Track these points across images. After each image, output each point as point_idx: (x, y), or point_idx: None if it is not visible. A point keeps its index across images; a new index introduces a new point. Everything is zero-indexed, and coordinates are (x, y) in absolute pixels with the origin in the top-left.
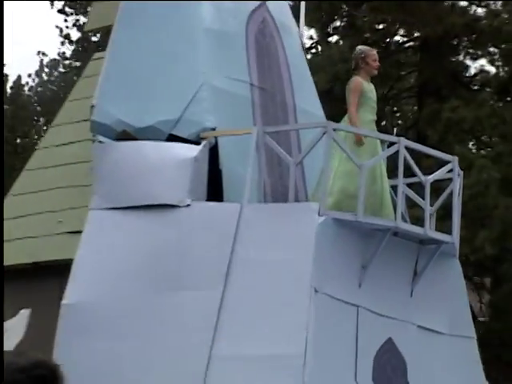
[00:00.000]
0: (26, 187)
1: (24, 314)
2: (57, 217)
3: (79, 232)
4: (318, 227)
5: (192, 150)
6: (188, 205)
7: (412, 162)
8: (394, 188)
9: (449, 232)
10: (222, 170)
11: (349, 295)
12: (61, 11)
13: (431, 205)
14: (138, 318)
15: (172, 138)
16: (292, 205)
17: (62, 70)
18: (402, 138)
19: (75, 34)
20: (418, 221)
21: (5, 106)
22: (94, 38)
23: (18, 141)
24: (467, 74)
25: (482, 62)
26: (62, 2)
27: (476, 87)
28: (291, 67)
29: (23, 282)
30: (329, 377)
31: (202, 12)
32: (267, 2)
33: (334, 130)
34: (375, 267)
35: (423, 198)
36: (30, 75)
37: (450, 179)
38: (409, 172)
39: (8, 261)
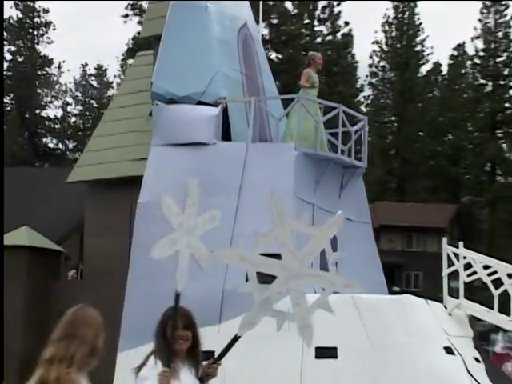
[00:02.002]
0: (105, 132)
1: None
2: (129, 149)
3: (144, 159)
4: (295, 157)
5: (213, 110)
6: (214, 143)
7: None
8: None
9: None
10: (230, 123)
11: (309, 197)
12: None
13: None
14: None
15: (200, 102)
16: (278, 144)
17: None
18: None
19: None
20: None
21: None
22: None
23: None
24: None
25: None
26: None
27: None
28: (260, 63)
29: (111, 189)
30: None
31: (213, 27)
32: (248, 23)
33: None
34: (323, 181)
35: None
36: None
37: None
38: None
39: (100, 176)
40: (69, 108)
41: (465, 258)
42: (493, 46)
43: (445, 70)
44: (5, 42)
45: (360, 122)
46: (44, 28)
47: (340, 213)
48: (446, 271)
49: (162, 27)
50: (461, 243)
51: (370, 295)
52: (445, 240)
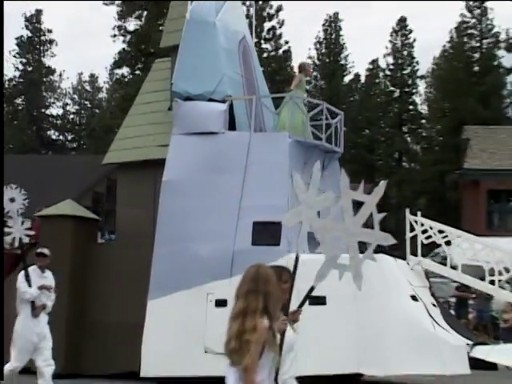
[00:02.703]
0: (131, 124)
1: None
2: (151, 137)
3: (164, 145)
4: (289, 144)
5: (221, 106)
6: (223, 132)
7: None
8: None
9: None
10: (235, 116)
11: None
12: None
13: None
14: (202, 185)
15: (210, 100)
16: (275, 133)
17: None
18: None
19: None
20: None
21: None
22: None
23: None
24: None
25: None
26: None
27: None
28: (255, 67)
29: (137, 169)
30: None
31: (220, 39)
32: (246, 37)
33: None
34: (309, 163)
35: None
36: None
37: None
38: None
39: (128, 159)
40: (68, 107)
41: (422, 224)
42: (400, 61)
43: (363, 79)
44: (17, 55)
45: (338, 116)
46: (48, 44)
47: (383, 182)
48: (408, 235)
49: (177, 39)
50: (419, 213)
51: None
52: (407, 210)
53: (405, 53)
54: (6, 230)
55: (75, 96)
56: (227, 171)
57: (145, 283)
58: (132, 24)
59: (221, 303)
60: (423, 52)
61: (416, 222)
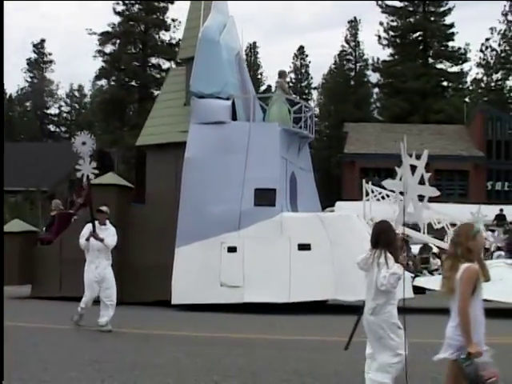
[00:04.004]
0: (156, 115)
1: None
2: (174, 126)
3: (182, 131)
4: (279, 132)
5: (227, 102)
6: (229, 122)
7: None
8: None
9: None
10: (237, 111)
11: (285, 155)
12: None
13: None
14: (215, 162)
15: (218, 98)
16: (269, 123)
17: None
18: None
19: None
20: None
21: None
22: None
23: None
24: None
25: None
26: None
27: None
28: (244, 74)
29: (162, 150)
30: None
31: (223, 53)
32: (240, 51)
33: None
34: (292, 146)
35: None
36: None
37: None
38: None
39: (155, 141)
40: (62, 108)
41: (373, 191)
42: (299, 76)
43: (273, 89)
44: (27, 71)
45: (310, 110)
46: (49, 63)
47: (426, 151)
48: (364, 199)
49: (191, 52)
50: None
51: (328, 213)
52: (364, 180)
53: (303, 70)
54: (77, 167)
55: (68, 100)
56: (233, 152)
57: (169, 235)
58: (109, 48)
59: (232, 249)
60: (316, 70)
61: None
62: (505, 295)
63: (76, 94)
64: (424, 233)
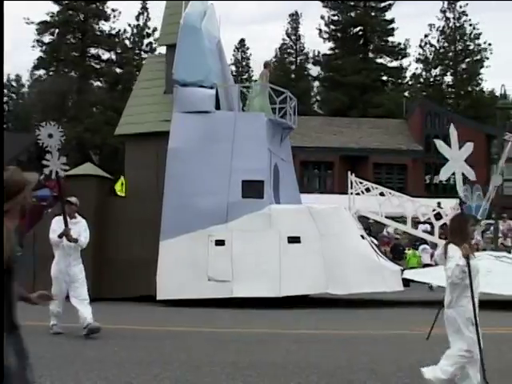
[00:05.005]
0: (133, 104)
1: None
2: (154, 115)
3: (163, 120)
4: (265, 122)
5: (211, 91)
6: (214, 111)
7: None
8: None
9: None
10: (220, 100)
11: (269, 146)
12: None
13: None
14: (200, 152)
15: (201, 86)
16: (254, 113)
17: None
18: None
19: None
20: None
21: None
22: None
23: None
24: None
25: None
26: None
27: None
28: (224, 62)
29: (142, 139)
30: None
31: (205, 42)
32: (220, 40)
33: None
34: (275, 136)
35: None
36: None
37: None
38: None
39: (135, 131)
40: None
41: (361, 183)
42: (240, 69)
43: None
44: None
45: (293, 101)
46: None
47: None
48: (349, 191)
49: (171, 39)
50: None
51: (318, 206)
52: (349, 172)
53: (244, 63)
54: (44, 162)
55: (5, 90)
56: (218, 141)
57: (150, 227)
58: (47, 37)
59: (219, 242)
60: (256, 63)
61: (357, 182)
62: (494, 287)
63: (13, 83)
64: None
